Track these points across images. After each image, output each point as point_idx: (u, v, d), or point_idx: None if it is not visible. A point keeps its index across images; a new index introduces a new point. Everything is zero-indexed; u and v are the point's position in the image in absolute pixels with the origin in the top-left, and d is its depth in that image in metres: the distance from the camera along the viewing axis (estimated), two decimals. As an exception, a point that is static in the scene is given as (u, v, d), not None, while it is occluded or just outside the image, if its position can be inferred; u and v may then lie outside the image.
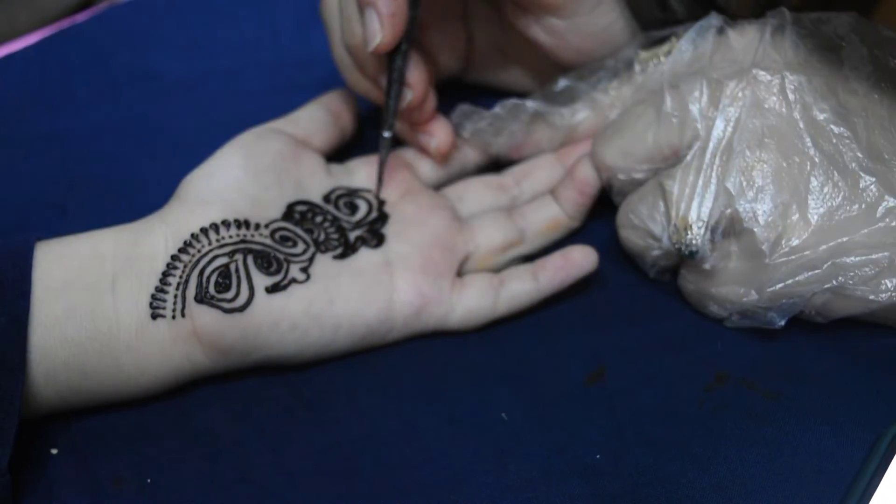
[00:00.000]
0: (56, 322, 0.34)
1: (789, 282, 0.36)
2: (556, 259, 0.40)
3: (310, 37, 0.54)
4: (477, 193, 0.43)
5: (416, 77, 0.41)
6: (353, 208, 0.41)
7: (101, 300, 0.34)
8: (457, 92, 0.47)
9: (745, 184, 0.36)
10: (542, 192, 0.44)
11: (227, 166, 0.39)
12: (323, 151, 0.43)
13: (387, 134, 0.42)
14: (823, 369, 0.37)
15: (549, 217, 0.42)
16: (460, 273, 0.41)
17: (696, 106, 0.38)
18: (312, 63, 0.52)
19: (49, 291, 0.34)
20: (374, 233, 0.40)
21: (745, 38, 0.38)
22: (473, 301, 0.39)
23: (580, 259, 0.40)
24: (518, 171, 0.44)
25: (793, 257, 0.36)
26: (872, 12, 0.45)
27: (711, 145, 0.37)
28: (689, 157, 0.38)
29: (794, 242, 0.36)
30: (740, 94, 0.37)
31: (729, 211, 0.37)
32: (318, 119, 0.43)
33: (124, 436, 0.36)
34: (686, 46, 0.40)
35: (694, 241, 0.37)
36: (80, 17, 0.58)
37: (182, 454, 0.36)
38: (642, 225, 0.39)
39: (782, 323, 0.37)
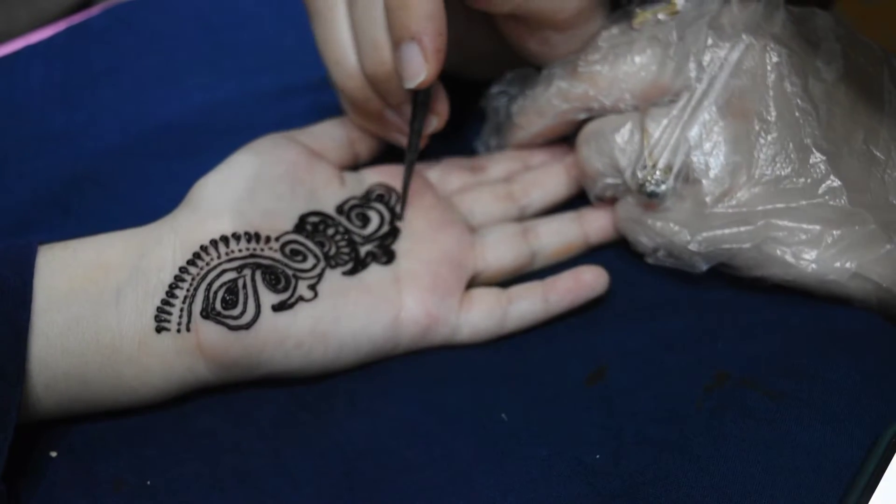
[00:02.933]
0: (58, 333, 0.34)
1: (722, 232, 0.38)
2: (567, 280, 0.40)
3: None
4: (486, 204, 0.43)
5: (443, 106, 0.41)
6: (366, 220, 0.40)
7: (105, 312, 0.34)
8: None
9: (703, 137, 0.38)
10: (552, 203, 0.44)
11: (241, 174, 0.38)
12: (336, 168, 0.42)
13: (411, 157, 0.41)
14: (823, 369, 0.37)
15: (563, 241, 0.42)
16: (468, 286, 0.40)
17: (695, 57, 0.39)
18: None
19: (52, 301, 0.34)
20: (385, 249, 0.39)
21: (747, 10, 0.39)
22: (481, 320, 0.39)
23: (591, 281, 0.40)
24: (527, 180, 0.44)
25: (730, 211, 0.38)
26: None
27: (694, 99, 0.39)
28: (676, 107, 0.39)
29: (737, 200, 0.38)
30: (729, 56, 0.39)
31: (685, 159, 0.38)
32: (334, 136, 0.42)
33: (124, 438, 0.36)
34: (692, 8, 0.40)
35: (659, 184, 0.38)
36: (97, 16, 0.57)
37: (182, 456, 0.36)
38: (609, 153, 0.40)
39: (704, 268, 0.39)
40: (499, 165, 0.45)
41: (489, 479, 0.35)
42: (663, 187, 0.38)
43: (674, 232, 0.39)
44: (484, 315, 0.39)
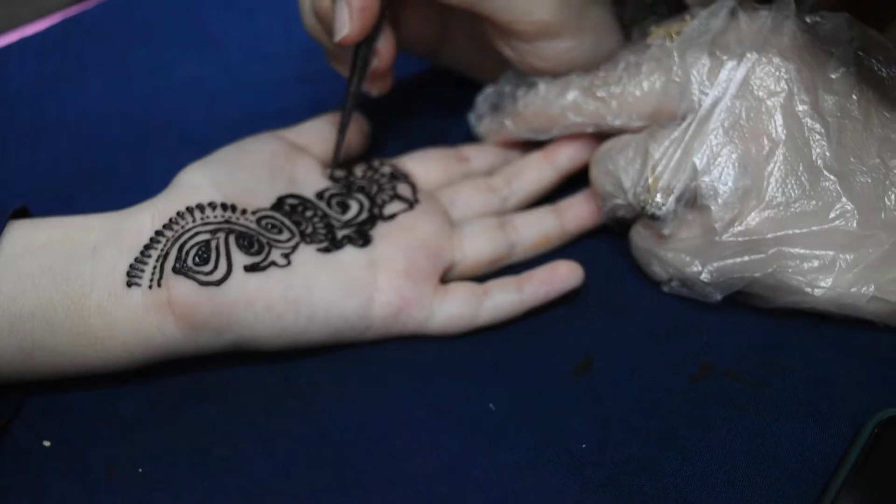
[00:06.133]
0: (29, 274, 0.34)
1: (733, 261, 0.37)
2: (542, 273, 0.40)
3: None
4: (467, 196, 0.43)
5: (386, 47, 0.42)
6: (345, 208, 0.41)
7: (79, 263, 0.35)
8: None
9: (711, 161, 0.38)
10: (533, 193, 0.44)
11: (221, 159, 0.39)
12: (323, 162, 0.43)
13: (345, 118, 0.42)
14: (806, 360, 0.38)
15: (540, 232, 0.42)
16: (445, 279, 0.41)
17: (697, 78, 0.39)
18: (322, 53, 0.53)
19: (28, 250, 0.35)
20: (362, 233, 0.40)
21: (755, 23, 0.39)
22: (455, 309, 0.39)
23: (566, 274, 0.40)
24: (508, 171, 0.45)
25: (741, 239, 0.37)
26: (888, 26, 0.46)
27: (697, 119, 0.38)
28: (679, 129, 0.38)
29: (746, 226, 0.37)
30: (733, 75, 0.38)
31: (693, 184, 0.38)
32: (319, 130, 0.43)
33: (117, 427, 0.36)
34: (698, 25, 0.40)
35: (660, 206, 0.38)
36: (90, 9, 0.58)
37: (174, 445, 0.36)
38: (615, 172, 0.40)
39: (719, 297, 0.38)
40: (482, 157, 0.45)
41: (476, 468, 0.35)
42: (664, 209, 0.38)
43: (685, 263, 0.38)
44: (459, 303, 0.39)
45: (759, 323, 0.39)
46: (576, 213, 0.43)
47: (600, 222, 0.43)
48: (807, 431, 0.35)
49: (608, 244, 0.43)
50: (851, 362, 0.37)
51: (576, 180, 0.44)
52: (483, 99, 0.46)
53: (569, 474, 0.35)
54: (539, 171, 0.44)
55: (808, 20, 0.39)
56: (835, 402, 0.36)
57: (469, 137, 0.47)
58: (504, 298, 0.40)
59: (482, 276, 0.41)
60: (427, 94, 0.51)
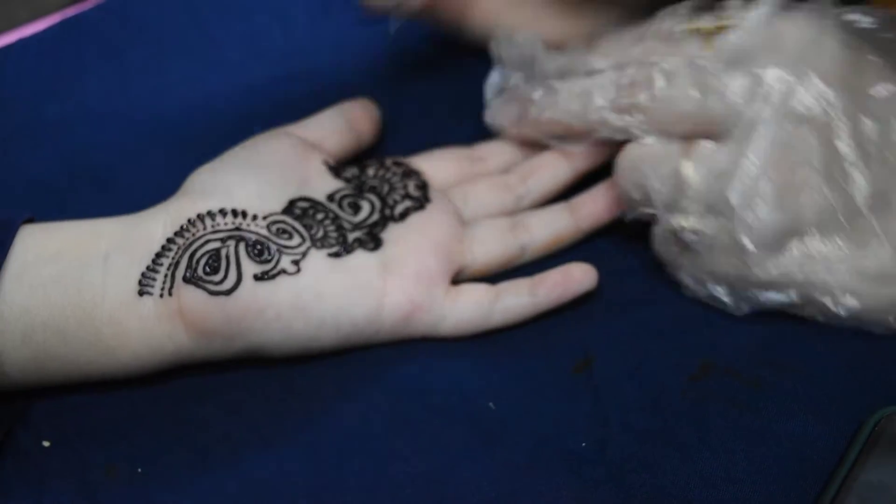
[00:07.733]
0: (42, 284, 0.34)
1: (766, 294, 0.37)
2: (555, 275, 0.40)
3: (320, 25, 0.55)
4: (481, 194, 0.43)
5: None
6: (356, 209, 0.40)
7: (91, 271, 0.35)
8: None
9: (746, 191, 0.36)
10: (549, 192, 0.44)
11: (232, 162, 0.39)
12: (336, 155, 0.43)
13: None
14: (807, 359, 0.38)
15: (554, 232, 0.42)
16: (457, 280, 0.41)
17: (733, 99, 0.37)
18: (320, 52, 0.53)
19: (40, 258, 0.35)
20: (373, 236, 0.40)
21: (797, 32, 0.37)
22: (466, 312, 0.39)
23: (580, 277, 0.40)
24: (523, 168, 0.44)
25: (774, 272, 0.37)
26: None
27: (734, 145, 0.37)
28: (716, 154, 0.37)
29: (781, 261, 0.37)
30: (773, 99, 0.36)
31: (728, 213, 0.36)
32: (331, 123, 0.43)
33: (116, 427, 0.36)
34: (735, 38, 0.38)
35: (694, 233, 0.38)
36: (89, 10, 0.58)
37: (174, 445, 0.36)
38: (646, 187, 0.38)
39: (747, 310, 0.38)
40: (497, 156, 0.45)
41: (476, 467, 0.35)
42: (695, 237, 0.37)
43: (715, 290, 0.38)
44: (470, 307, 0.39)
45: (760, 322, 0.39)
46: (590, 209, 0.42)
47: (615, 217, 0.42)
48: (807, 430, 0.35)
49: (610, 241, 0.43)
50: (851, 361, 0.37)
51: (591, 174, 0.44)
52: (490, 89, 0.45)
53: (568, 473, 0.35)
54: (555, 169, 0.43)
55: (853, 19, 0.37)
56: (835, 400, 0.36)
57: (482, 129, 0.46)
58: (516, 301, 0.39)
59: (493, 277, 0.41)
60: (439, 84, 0.51)
